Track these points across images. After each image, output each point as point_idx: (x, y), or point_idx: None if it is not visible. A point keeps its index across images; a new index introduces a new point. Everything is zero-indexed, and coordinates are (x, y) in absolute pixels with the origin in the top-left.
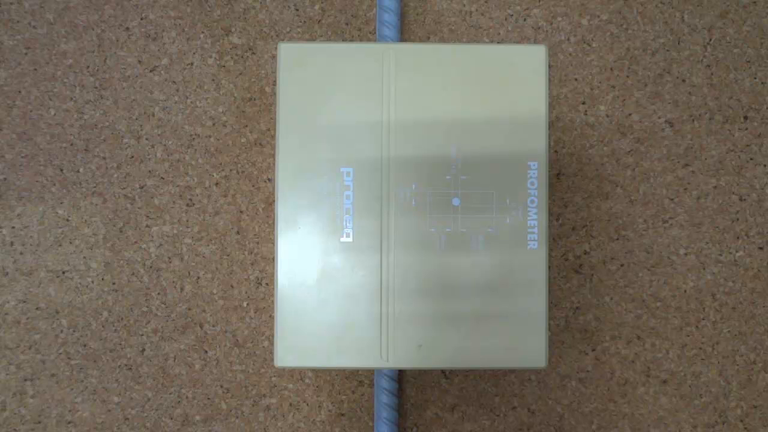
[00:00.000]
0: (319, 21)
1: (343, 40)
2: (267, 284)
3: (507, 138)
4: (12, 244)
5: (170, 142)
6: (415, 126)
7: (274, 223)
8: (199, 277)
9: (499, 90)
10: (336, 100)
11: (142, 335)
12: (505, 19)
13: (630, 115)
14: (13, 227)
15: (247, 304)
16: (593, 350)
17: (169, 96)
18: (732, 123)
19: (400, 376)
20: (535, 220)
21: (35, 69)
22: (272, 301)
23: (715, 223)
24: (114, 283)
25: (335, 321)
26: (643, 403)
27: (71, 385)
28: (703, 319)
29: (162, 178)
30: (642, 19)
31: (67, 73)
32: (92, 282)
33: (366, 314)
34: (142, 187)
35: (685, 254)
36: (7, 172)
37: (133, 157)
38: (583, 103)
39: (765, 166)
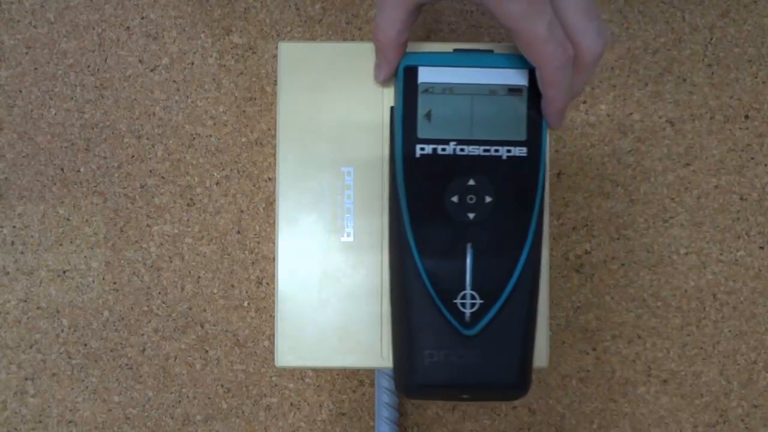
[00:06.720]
0: (319, 20)
1: (343, 40)
2: (268, 284)
3: None
4: (13, 243)
5: (171, 142)
6: None
7: (274, 222)
8: (199, 277)
9: None
10: (336, 99)
11: (143, 335)
12: None
13: (631, 114)
14: (14, 227)
15: (248, 304)
16: (594, 350)
17: (169, 95)
18: (733, 122)
19: None
20: None
21: (36, 68)
22: (273, 301)
23: (716, 222)
24: (115, 283)
25: (336, 320)
26: (644, 402)
27: (72, 384)
28: (704, 319)
29: (163, 177)
30: (643, 19)
31: (67, 73)
32: (93, 281)
33: (366, 314)
34: (142, 187)
35: (686, 254)
36: (8, 171)
37: (133, 156)
38: (584, 102)
39: (766, 165)
